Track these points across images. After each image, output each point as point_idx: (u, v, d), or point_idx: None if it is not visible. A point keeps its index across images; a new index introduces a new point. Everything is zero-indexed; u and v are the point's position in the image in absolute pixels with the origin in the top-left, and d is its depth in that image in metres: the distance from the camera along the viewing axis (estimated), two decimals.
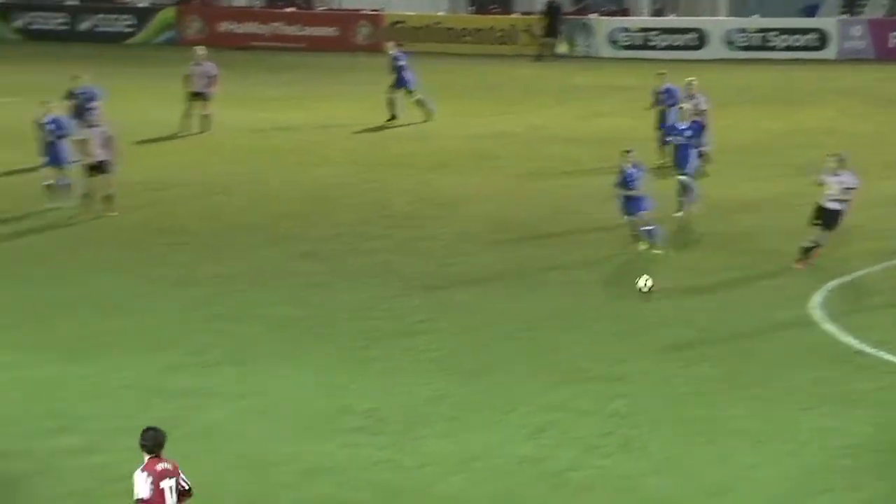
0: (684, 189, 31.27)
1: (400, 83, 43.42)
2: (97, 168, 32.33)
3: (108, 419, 20.62)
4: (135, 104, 42.21)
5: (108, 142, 32.40)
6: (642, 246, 28.80)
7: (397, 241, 30.78)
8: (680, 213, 31.03)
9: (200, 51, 43.07)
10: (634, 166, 28.96)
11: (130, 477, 18.32)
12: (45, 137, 33.15)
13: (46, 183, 32.89)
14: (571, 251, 29.71)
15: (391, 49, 44.25)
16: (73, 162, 32.82)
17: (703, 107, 35.13)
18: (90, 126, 32.93)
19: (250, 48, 59.82)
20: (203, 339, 24.41)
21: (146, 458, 14.93)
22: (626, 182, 28.81)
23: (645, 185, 29.03)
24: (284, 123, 43.83)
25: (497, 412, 21.14)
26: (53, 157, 32.99)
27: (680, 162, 31.60)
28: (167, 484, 14.81)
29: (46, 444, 19.64)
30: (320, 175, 37.22)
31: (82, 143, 32.64)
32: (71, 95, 37.73)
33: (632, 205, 28.86)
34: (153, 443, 14.97)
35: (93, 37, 62.44)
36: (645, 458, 19.54)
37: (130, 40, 62.66)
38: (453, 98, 47.21)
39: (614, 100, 46.70)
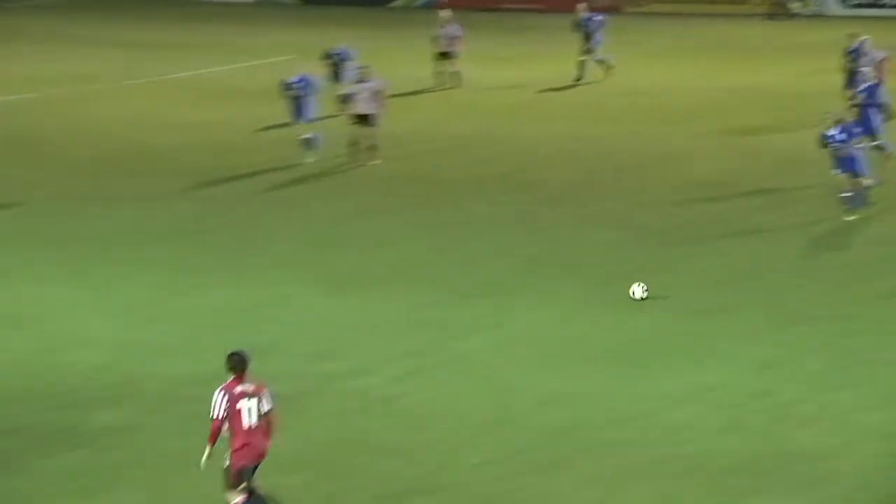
0: (880, 149, 29.92)
1: (589, 44, 43.03)
2: (363, 119, 32.66)
3: (372, 347, 20.84)
4: (392, 63, 42.48)
5: (374, 96, 32.65)
6: (849, 215, 27.50)
7: (628, 191, 30.55)
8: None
9: (445, 14, 43.31)
10: (838, 126, 27.57)
11: (394, 400, 18.72)
12: (293, 95, 33.13)
13: (302, 137, 33.24)
14: (795, 203, 29.05)
15: (581, 11, 43.68)
16: (320, 118, 33.06)
17: (878, 62, 33.78)
18: (360, 82, 33.17)
19: (494, 10, 59.69)
20: (458, 276, 24.51)
21: (228, 378, 14.62)
22: (830, 141, 27.48)
23: (854, 145, 27.75)
24: (524, 80, 43.67)
25: (727, 349, 20.80)
26: (302, 113, 33.13)
27: (864, 125, 29.72)
28: (245, 405, 14.45)
29: (317, 368, 19.93)
30: (559, 128, 37.06)
31: (346, 98, 33.00)
32: (327, 56, 38.18)
33: (843, 163, 27.56)
34: (233, 364, 14.60)
35: (361, 1, 62.87)
36: (868, 395, 19.02)
37: (393, 3, 63.06)
38: (686, 56, 46.59)
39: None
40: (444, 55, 42.29)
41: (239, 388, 14.47)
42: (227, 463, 14.43)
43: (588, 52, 42.75)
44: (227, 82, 42.55)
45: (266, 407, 14.58)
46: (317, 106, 33.15)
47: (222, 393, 14.44)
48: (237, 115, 38.26)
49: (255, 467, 14.48)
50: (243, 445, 14.42)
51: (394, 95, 38.28)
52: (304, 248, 26.33)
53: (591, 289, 23.71)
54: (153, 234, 27.10)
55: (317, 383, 19.32)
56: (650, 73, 43.84)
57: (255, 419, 14.45)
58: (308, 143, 32.84)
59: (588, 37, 42.76)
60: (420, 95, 41.58)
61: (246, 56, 47.57)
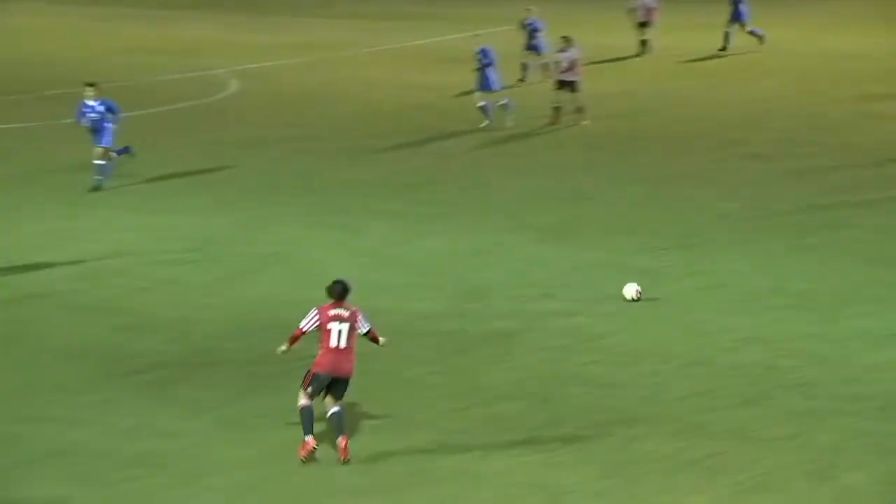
0: None
1: (735, 18, 41.88)
2: (566, 85, 32.59)
3: (582, 289, 20.82)
4: (588, 32, 42.22)
5: (573, 64, 32.58)
6: None
7: (825, 148, 29.87)
8: None
9: None
10: None
11: (602, 338, 18.71)
12: (476, 65, 32.97)
13: (479, 104, 33.04)
14: None
15: None
16: (503, 87, 32.85)
17: None
18: (560, 51, 33.00)
19: None
20: (658, 226, 24.32)
21: (328, 302, 14.73)
22: None
23: None
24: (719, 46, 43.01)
25: None
26: (483, 82, 32.88)
27: None
28: (335, 327, 14.56)
29: (534, 308, 20.01)
30: (759, 89, 36.42)
31: (547, 66, 32.88)
32: (522, 26, 38.21)
33: None
34: (333, 291, 14.75)
35: None
36: None
37: None
38: (878, 23, 45.23)
39: None
40: (643, 24, 41.98)
41: (333, 312, 14.75)
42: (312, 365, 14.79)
43: (732, 22, 41.91)
44: (451, 50, 42.73)
45: (363, 329, 14.90)
46: (497, 75, 32.87)
47: (316, 311, 14.77)
48: (458, 80, 38.43)
49: (330, 381, 14.70)
50: (324, 360, 14.64)
51: (595, 62, 38.11)
52: (519, 200, 26.39)
53: (787, 240, 23.31)
54: (388, 187, 27.49)
55: (532, 321, 19.39)
56: (845, 39, 42.69)
57: (343, 342, 14.68)
58: (485, 111, 32.66)
59: (735, 9, 42.01)
60: (619, 62, 41.27)
61: (470, 25, 47.68)
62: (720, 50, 41.75)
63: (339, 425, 14.69)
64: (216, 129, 33.21)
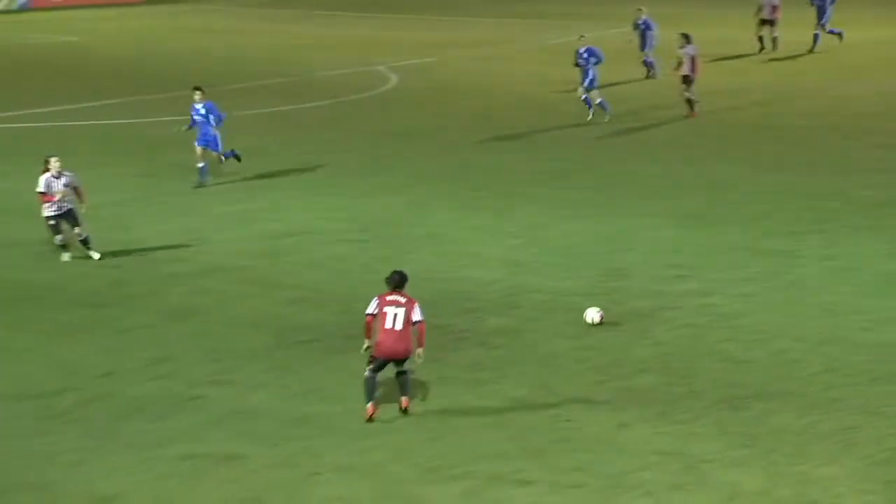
0: None
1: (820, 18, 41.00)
2: (686, 79, 32.10)
3: (718, 271, 20.42)
4: (704, 29, 41.44)
5: (692, 60, 32.10)
6: None
7: None
8: None
9: None
10: None
11: (737, 317, 18.33)
12: (581, 64, 32.38)
13: (582, 97, 32.57)
14: None
15: None
16: (597, 87, 32.31)
17: None
18: (680, 48, 32.31)
19: None
20: (792, 212, 23.77)
21: (388, 290, 14.89)
22: None
23: None
24: (849, 42, 41.86)
25: None
26: (590, 80, 32.32)
27: None
28: (391, 311, 14.68)
29: (672, 288, 19.68)
30: (886, 84, 35.40)
31: (679, 62, 32.42)
32: (635, 26, 37.90)
33: None
34: (392, 280, 14.91)
35: None
36: None
37: None
38: None
39: None
40: (767, 22, 41.18)
41: (390, 297, 14.90)
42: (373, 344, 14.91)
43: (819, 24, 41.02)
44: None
45: (416, 317, 14.86)
46: (598, 74, 32.32)
47: (377, 299, 14.95)
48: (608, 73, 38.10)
49: (388, 360, 14.83)
50: (382, 343, 14.76)
51: (723, 57, 37.44)
52: (658, 187, 26.03)
53: None
54: (534, 173, 27.34)
55: (670, 301, 19.06)
56: None
57: (399, 324, 14.71)
58: (602, 106, 32.34)
59: (820, 10, 41.00)
60: (745, 58, 40.56)
61: (615, 22, 47.21)
62: (809, 51, 40.89)
63: (405, 385, 14.94)
64: (378, 120, 33.38)
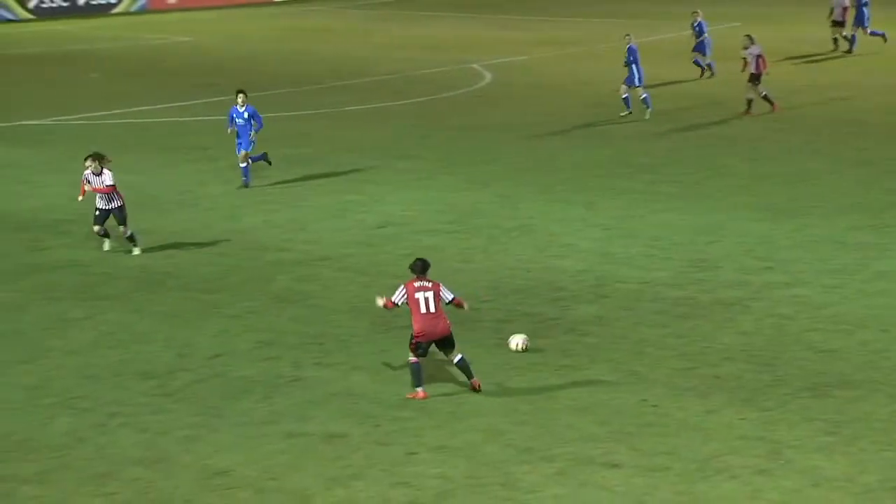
0: None
1: (857, 21, 40.20)
2: (754, 77, 31.67)
3: (805, 262, 20.15)
4: (784, 27, 40.87)
5: (757, 59, 31.68)
6: None
7: None
8: None
9: None
10: None
11: (822, 308, 18.07)
12: (627, 63, 32.21)
13: (623, 96, 32.32)
14: None
15: None
16: (640, 85, 31.98)
17: None
18: (745, 48, 31.77)
19: None
20: (880, 206, 23.35)
21: (411, 276, 15.02)
22: None
23: None
24: None
25: None
26: (630, 77, 32.14)
27: None
28: (422, 296, 14.85)
29: (758, 279, 19.46)
30: None
31: (745, 63, 32.04)
32: (691, 28, 37.91)
33: None
34: (415, 268, 15.03)
35: None
36: None
37: None
38: None
39: None
40: (839, 23, 40.72)
41: (417, 284, 15.07)
42: (412, 333, 15.03)
43: (855, 25, 40.31)
44: (681, 44, 41.92)
45: (447, 297, 15.11)
46: (643, 72, 32.02)
47: (403, 287, 15.10)
48: (688, 72, 37.84)
49: (431, 342, 14.98)
50: (420, 327, 14.87)
51: (802, 56, 36.85)
52: (746, 180, 25.74)
53: None
54: (622, 167, 27.18)
55: (757, 291, 18.86)
56: None
57: (431, 307, 14.88)
58: (625, 101, 32.14)
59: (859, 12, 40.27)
60: (825, 56, 40.01)
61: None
62: (846, 52, 40.25)
63: (466, 370, 15.15)
64: (471, 116, 33.41)
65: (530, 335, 16.83)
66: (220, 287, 19.65)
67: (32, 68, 43.00)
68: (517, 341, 16.53)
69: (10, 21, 56.47)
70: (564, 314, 18.08)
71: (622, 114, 32.22)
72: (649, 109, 32.12)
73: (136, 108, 34.89)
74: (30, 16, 57.48)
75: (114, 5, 59.96)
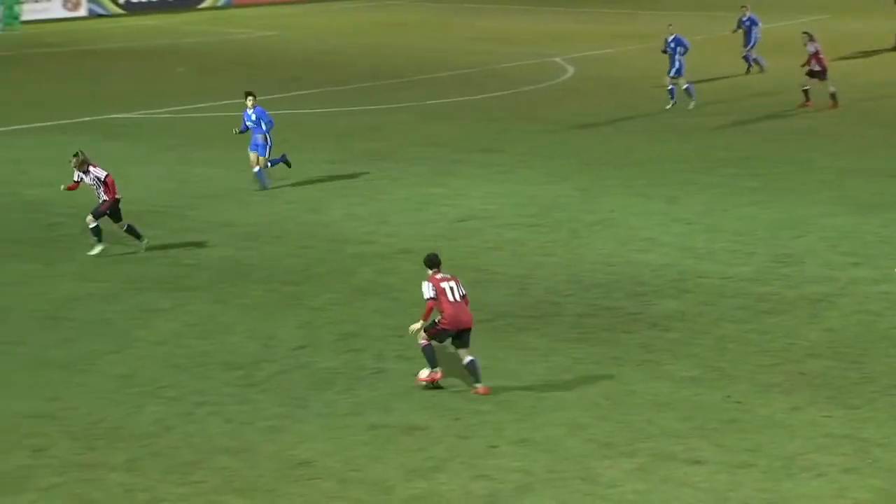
0: None
1: None
2: (815, 74, 31.19)
3: (892, 258, 19.67)
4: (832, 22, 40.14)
5: (815, 55, 31.15)
6: None
7: None
8: None
9: None
10: None
11: None
12: (668, 52, 32.22)
13: (668, 87, 32.11)
14: None
15: None
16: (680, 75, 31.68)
17: None
18: (805, 45, 31.46)
19: None
20: None
21: (429, 273, 15.00)
22: None
23: None
24: None
25: None
26: (676, 68, 31.76)
27: None
28: (447, 286, 14.90)
29: (844, 274, 19.10)
30: None
31: (808, 59, 31.57)
32: (740, 23, 37.40)
33: None
34: (430, 262, 15.10)
35: None
36: None
37: None
38: None
39: None
40: None
41: (439, 276, 15.04)
42: (437, 319, 14.88)
43: None
44: (772, 37, 41.28)
45: (463, 291, 15.02)
46: (684, 63, 31.82)
47: (428, 282, 15.02)
48: (777, 65, 37.27)
49: (453, 332, 14.86)
50: (448, 316, 14.79)
51: (878, 51, 36.13)
52: (831, 175, 25.31)
53: None
54: (704, 161, 26.88)
55: (843, 287, 18.51)
56: None
57: (458, 295, 14.90)
58: (687, 92, 31.95)
59: None
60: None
61: (789, 14, 46.06)
62: (893, 49, 39.44)
63: (475, 372, 14.92)
64: (553, 110, 33.21)
65: (611, 330, 16.64)
66: (303, 279, 19.70)
67: (122, 63, 43.55)
68: (423, 375, 15.24)
69: (102, 16, 57.31)
70: (646, 309, 17.86)
71: (667, 107, 31.87)
72: (693, 100, 31.78)
73: (221, 102, 35.15)
74: (121, 11, 58.29)
75: (200, 0, 60.59)
